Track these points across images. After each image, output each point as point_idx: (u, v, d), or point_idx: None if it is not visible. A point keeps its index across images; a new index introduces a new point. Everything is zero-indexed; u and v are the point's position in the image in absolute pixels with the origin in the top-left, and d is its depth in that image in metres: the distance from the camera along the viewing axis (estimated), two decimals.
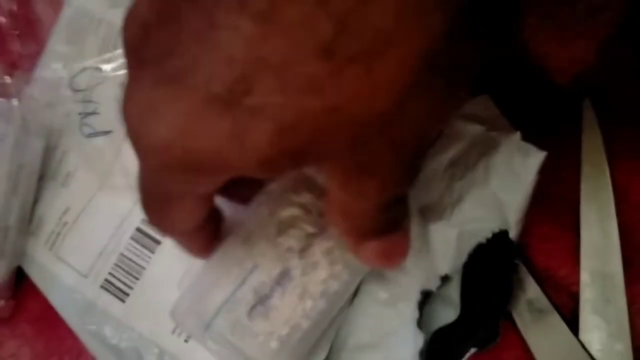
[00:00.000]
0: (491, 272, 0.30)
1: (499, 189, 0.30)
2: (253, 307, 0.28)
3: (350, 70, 0.17)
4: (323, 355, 0.31)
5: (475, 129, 0.31)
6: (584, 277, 0.30)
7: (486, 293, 0.30)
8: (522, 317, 0.30)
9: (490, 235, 0.30)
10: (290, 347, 0.28)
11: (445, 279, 0.30)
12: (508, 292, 0.30)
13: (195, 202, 0.23)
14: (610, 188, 0.31)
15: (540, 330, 0.30)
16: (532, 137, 0.30)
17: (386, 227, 0.23)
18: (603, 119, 0.31)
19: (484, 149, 0.31)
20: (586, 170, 0.31)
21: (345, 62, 0.17)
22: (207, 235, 0.27)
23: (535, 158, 0.30)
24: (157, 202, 0.23)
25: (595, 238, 0.30)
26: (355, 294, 0.31)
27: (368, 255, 0.24)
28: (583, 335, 0.29)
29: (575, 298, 0.30)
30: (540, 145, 0.30)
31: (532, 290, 0.30)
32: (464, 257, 0.30)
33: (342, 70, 0.17)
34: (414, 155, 0.20)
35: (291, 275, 0.28)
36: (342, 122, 0.18)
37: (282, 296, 0.28)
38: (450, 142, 0.31)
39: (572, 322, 0.30)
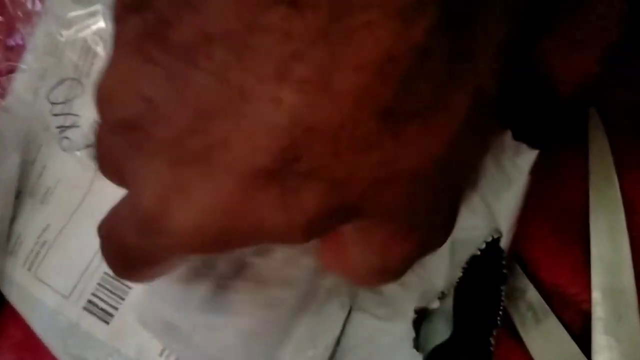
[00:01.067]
0: (483, 285, 0.29)
1: (488, 193, 0.29)
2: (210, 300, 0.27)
3: (408, 127, 0.16)
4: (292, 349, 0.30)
5: None
6: (595, 294, 0.29)
7: (477, 308, 0.29)
8: (523, 324, 0.29)
9: (483, 246, 0.28)
10: (253, 339, 0.28)
11: (442, 295, 0.29)
12: (497, 305, 0.29)
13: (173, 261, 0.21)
14: (620, 200, 0.30)
15: (541, 336, 0.29)
16: (537, 149, 0.29)
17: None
18: (609, 129, 0.30)
19: None
20: (594, 182, 0.30)
21: (404, 120, 0.16)
22: None
23: (527, 157, 0.29)
24: (138, 267, 0.21)
25: (605, 252, 0.29)
26: (350, 311, 0.30)
27: (369, 281, 0.23)
28: (596, 356, 0.28)
29: (585, 315, 0.29)
30: (546, 157, 0.29)
31: (531, 295, 0.29)
32: (458, 271, 0.29)
33: (401, 128, 0.16)
34: (458, 202, 0.20)
35: (248, 264, 0.27)
36: (398, 174, 0.17)
37: (241, 286, 0.28)
38: None
39: (584, 341, 0.29)
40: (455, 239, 0.29)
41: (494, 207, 0.29)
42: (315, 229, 0.17)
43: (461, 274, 0.28)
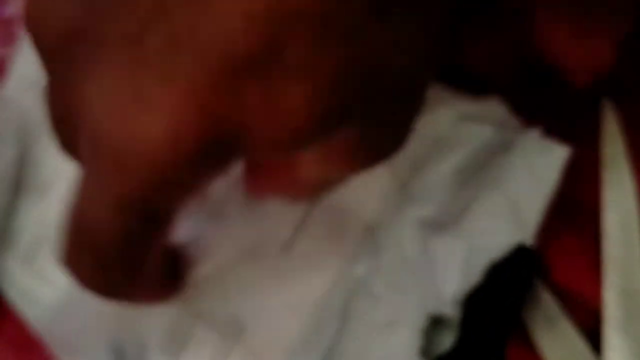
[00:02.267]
0: (502, 291, 0.28)
1: (516, 194, 0.28)
2: None
3: (393, 17, 0.15)
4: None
5: (483, 131, 0.29)
6: (607, 294, 0.28)
7: (492, 316, 0.28)
8: (536, 327, 0.29)
9: (505, 251, 0.28)
10: None
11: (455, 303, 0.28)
12: (517, 314, 0.28)
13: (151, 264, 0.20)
14: (633, 196, 0.29)
15: (554, 340, 0.28)
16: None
17: None
18: (623, 121, 0.30)
19: (496, 151, 0.29)
20: (607, 178, 0.29)
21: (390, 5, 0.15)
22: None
23: (559, 155, 0.28)
24: (126, 269, 0.19)
25: (618, 250, 0.29)
26: (345, 317, 0.29)
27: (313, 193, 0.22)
28: (607, 356, 0.28)
29: (597, 315, 0.28)
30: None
31: (550, 307, 0.29)
32: (474, 277, 0.28)
33: (387, 19, 0.15)
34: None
35: None
36: (382, 72, 0.16)
37: None
38: (454, 147, 0.29)
39: (595, 341, 0.28)
40: (472, 244, 0.28)
41: (521, 208, 0.28)
42: (307, 136, 0.15)
43: (484, 279, 0.27)
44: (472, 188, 0.29)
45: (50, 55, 0.16)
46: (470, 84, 0.29)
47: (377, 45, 0.15)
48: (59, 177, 0.33)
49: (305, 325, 0.28)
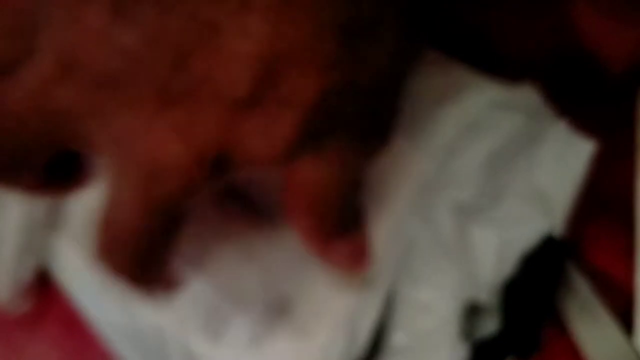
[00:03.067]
0: (538, 281, 0.29)
1: (545, 183, 0.29)
2: None
3: (363, 41, 0.18)
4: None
5: (515, 118, 0.30)
6: (639, 278, 0.29)
7: (529, 303, 0.29)
8: (570, 314, 0.29)
9: (536, 241, 0.28)
10: None
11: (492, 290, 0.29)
12: (551, 301, 0.29)
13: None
14: None
15: (589, 327, 0.29)
16: (584, 131, 0.29)
17: (349, 223, 0.25)
18: None
19: (526, 140, 0.30)
20: None
21: (359, 34, 0.18)
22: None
23: (585, 148, 0.29)
24: (154, 256, 0.22)
25: None
26: (391, 297, 0.30)
27: (338, 257, 0.25)
28: (638, 340, 0.28)
29: (629, 300, 0.29)
30: (592, 138, 0.29)
31: (583, 291, 0.29)
32: (507, 266, 0.28)
33: (357, 43, 0.18)
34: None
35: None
36: (358, 88, 0.19)
37: None
38: (486, 133, 0.30)
39: (627, 326, 0.29)
40: (505, 232, 0.29)
41: (551, 197, 0.29)
42: (296, 151, 0.19)
43: (517, 269, 0.28)
44: (503, 175, 0.30)
45: (84, 88, 0.19)
46: (505, 70, 0.30)
47: (349, 69, 0.19)
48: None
49: (351, 301, 0.29)
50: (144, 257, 0.22)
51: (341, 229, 0.25)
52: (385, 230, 0.30)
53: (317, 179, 0.22)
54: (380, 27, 0.19)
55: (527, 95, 0.30)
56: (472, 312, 0.29)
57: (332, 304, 0.30)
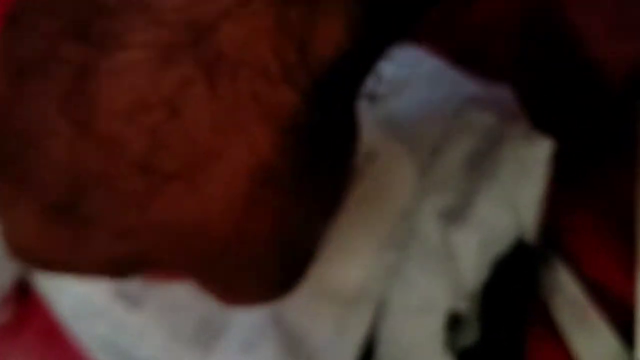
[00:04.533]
0: (514, 286, 0.28)
1: (510, 186, 0.28)
2: None
3: (170, 187, 0.16)
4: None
5: (486, 118, 0.29)
6: None
7: (508, 309, 0.28)
8: (564, 321, 0.29)
9: (510, 246, 0.28)
10: None
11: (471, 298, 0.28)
12: (529, 305, 0.28)
13: None
14: None
15: (583, 333, 0.29)
16: (583, 142, 0.29)
17: None
18: None
19: (495, 140, 0.29)
20: None
21: (163, 178, 0.16)
22: None
23: (543, 147, 0.28)
24: None
25: None
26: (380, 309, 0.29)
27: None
28: (638, 353, 0.28)
29: (628, 312, 0.29)
30: (592, 151, 0.29)
31: (572, 291, 0.29)
32: (484, 271, 0.28)
33: (161, 186, 0.16)
34: (289, 260, 0.19)
35: None
36: (180, 240, 0.17)
37: None
38: (462, 133, 0.29)
39: (628, 339, 0.28)
40: (483, 236, 0.28)
41: (517, 200, 0.28)
42: (114, 271, 0.19)
43: (489, 275, 0.28)
44: (476, 178, 0.29)
45: None
46: (487, 70, 0.30)
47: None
48: None
49: (343, 311, 0.29)
50: None
51: None
52: (376, 240, 0.30)
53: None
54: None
55: (499, 93, 0.29)
56: (454, 321, 0.28)
57: (322, 316, 0.29)
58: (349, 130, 0.19)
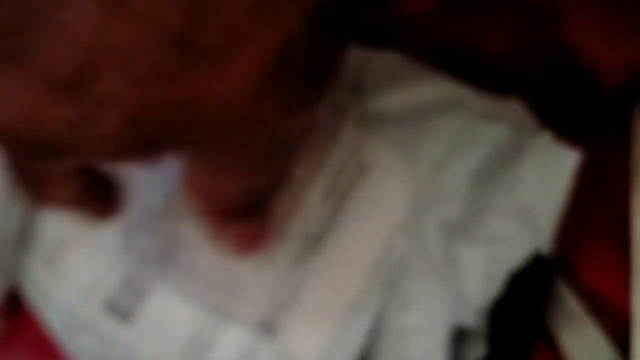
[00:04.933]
0: (524, 300, 0.28)
1: (529, 199, 0.28)
2: None
3: (201, 63, 0.17)
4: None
5: (499, 130, 0.29)
6: (637, 300, 0.28)
7: (517, 325, 0.28)
8: (562, 333, 0.29)
9: (523, 259, 0.27)
10: None
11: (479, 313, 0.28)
12: (539, 321, 0.28)
13: (61, 178, 0.23)
14: None
15: (580, 345, 0.29)
16: (579, 146, 0.29)
17: (248, 211, 0.25)
18: None
19: (510, 153, 0.29)
20: (637, 184, 0.29)
21: (196, 54, 0.17)
22: (96, 202, 0.26)
23: (570, 160, 0.28)
24: (23, 177, 0.22)
25: None
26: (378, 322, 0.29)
27: (229, 239, 0.26)
28: None
29: (626, 322, 0.29)
30: (587, 156, 0.29)
31: (571, 303, 0.29)
32: (495, 286, 0.28)
33: (193, 62, 0.17)
34: (274, 150, 0.21)
35: None
36: (195, 116, 0.18)
37: None
38: (471, 147, 0.29)
39: (622, 348, 0.28)
40: (492, 250, 0.28)
41: (535, 214, 0.28)
42: (120, 155, 0.19)
43: (504, 290, 0.27)
44: (488, 191, 0.29)
45: None
46: (493, 83, 0.29)
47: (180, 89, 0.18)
48: None
49: (338, 325, 0.28)
50: None
51: (236, 217, 0.25)
52: (376, 251, 0.29)
53: (210, 187, 0.23)
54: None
55: (512, 107, 0.29)
56: (459, 336, 0.28)
57: (318, 329, 0.29)
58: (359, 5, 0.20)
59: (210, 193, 0.24)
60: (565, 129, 0.29)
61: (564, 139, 0.29)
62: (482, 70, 0.31)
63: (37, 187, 0.23)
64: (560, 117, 0.30)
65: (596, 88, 0.30)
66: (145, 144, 0.19)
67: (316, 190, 0.29)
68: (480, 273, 0.28)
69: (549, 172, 0.28)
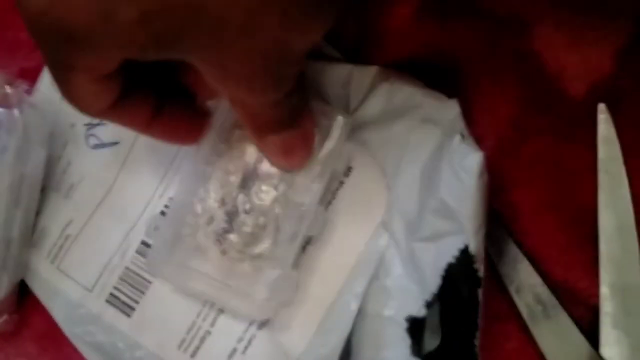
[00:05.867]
0: (462, 291, 0.28)
1: (448, 197, 0.29)
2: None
3: None
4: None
5: (435, 134, 0.30)
6: (604, 290, 0.29)
7: (460, 314, 0.28)
8: (533, 320, 0.30)
9: (457, 254, 0.28)
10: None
11: (430, 305, 0.29)
12: (476, 309, 0.28)
13: (96, 77, 0.23)
14: (629, 198, 0.30)
15: (551, 331, 0.29)
16: (547, 147, 0.30)
17: (283, 122, 0.27)
18: (620, 127, 0.30)
19: (438, 155, 0.30)
20: (604, 180, 0.30)
21: None
22: (142, 114, 0.27)
23: (474, 158, 0.28)
24: (59, 74, 0.23)
25: (614, 249, 0.29)
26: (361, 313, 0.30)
27: (270, 150, 0.28)
28: (604, 350, 0.28)
29: (594, 311, 0.29)
30: (556, 156, 0.30)
31: (541, 291, 0.30)
32: (438, 280, 0.28)
33: None
34: (279, 63, 0.22)
35: None
36: (204, 20, 0.20)
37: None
38: (416, 151, 0.30)
39: (592, 336, 0.29)
40: (435, 247, 0.29)
41: (456, 211, 0.28)
42: (141, 49, 0.21)
43: (440, 282, 0.28)
44: (425, 194, 0.30)
45: None
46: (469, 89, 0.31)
47: None
48: (83, 180, 0.35)
49: (326, 318, 0.30)
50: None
51: (273, 128, 0.27)
52: (360, 248, 0.31)
53: (240, 98, 0.24)
54: None
55: (447, 109, 0.30)
56: (419, 327, 0.29)
57: (308, 320, 0.30)
58: None
59: (240, 107, 0.25)
60: (536, 129, 0.31)
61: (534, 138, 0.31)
62: (457, 78, 0.32)
63: (69, 86, 0.24)
64: (531, 120, 0.31)
65: (563, 91, 0.31)
66: (158, 42, 0.20)
67: (314, 196, 0.30)
68: (431, 268, 0.28)
69: (460, 171, 0.28)
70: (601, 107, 0.31)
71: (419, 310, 0.28)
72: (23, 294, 0.35)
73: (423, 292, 0.29)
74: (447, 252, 0.28)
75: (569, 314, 0.29)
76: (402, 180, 0.30)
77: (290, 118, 0.27)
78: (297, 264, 0.30)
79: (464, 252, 0.28)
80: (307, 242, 0.31)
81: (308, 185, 0.30)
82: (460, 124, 0.29)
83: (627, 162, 0.30)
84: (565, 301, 0.30)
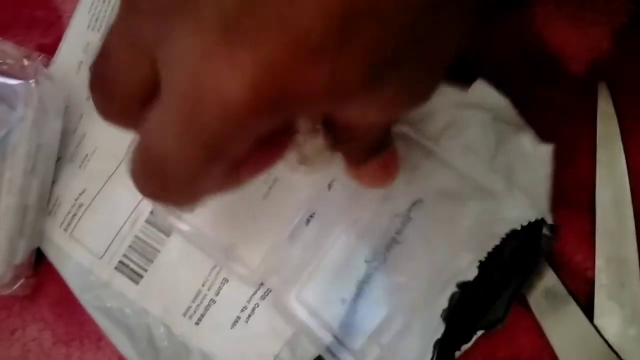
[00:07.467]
0: (516, 256, 0.30)
1: (526, 185, 0.30)
2: None
3: None
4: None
5: (482, 117, 0.31)
6: (599, 262, 0.30)
7: (505, 275, 0.29)
8: (538, 305, 0.30)
9: (526, 223, 0.30)
10: None
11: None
12: (525, 278, 0.29)
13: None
14: (625, 174, 0.30)
15: (556, 317, 0.30)
16: (548, 124, 0.30)
17: (379, 148, 0.26)
18: (618, 105, 0.31)
19: (498, 139, 0.31)
20: (601, 156, 0.30)
21: None
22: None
23: (547, 152, 0.30)
24: (182, 180, 0.20)
25: (610, 223, 0.30)
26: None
27: (369, 175, 0.27)
28: (598, 320, 0.29)
29: (590, 283, 0.30)
30: (556, 132, 0.30)
31: (549, 277, 0.30)
32: (494, 240, 0.30)
33: None
34: (440, 70, 0.21)
35: None
36: (379, 20, 0.17)
37: None
38: (459, 129, 0.31)
39: (588, 307, 0.29)
40: (491, 213, 0.30)
41: (533, 197, 0.30)
42: (356, 94, 0.18)
43: (496, 245, 0.29)
44: (483, 166, 0.31)
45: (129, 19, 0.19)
46: (466, 73, 0.31)
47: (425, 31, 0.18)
48: (97, 151, 0.36)
49: (327, 285, 0.31)
50: (177, 185, 0.20)
51: (371, 155, 0.26)
52: (363, 220, 0.32)
53: (361, 121, 0.22)
54: None
55: (489, 96, 0.31)
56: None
57: (312, 286, 0.31)
58: None
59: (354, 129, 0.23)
60: (538, 108, 0.31)
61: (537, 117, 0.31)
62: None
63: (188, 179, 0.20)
64: (533, 97, 0.31)
65: (564, 73, 0.31)
66: (380, 81, 0.19)
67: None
68: (478, 231, 0.30)
69: (534, 162, 0.30)
70: (601, 84, 0.31)
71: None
72: (39, 263, 0.36)
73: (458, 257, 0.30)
74: (513, 220, 0.30)
75: (567, 288, 0.30)
76: (446, 148, 0.31)
77: (389, 141, 0.27)
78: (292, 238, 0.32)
79: (534, 225, 0.30)
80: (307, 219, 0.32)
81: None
82: (510, 111, 0.31)
83: (624, 138, 0.31)
84: (562, 274, 0.30)
